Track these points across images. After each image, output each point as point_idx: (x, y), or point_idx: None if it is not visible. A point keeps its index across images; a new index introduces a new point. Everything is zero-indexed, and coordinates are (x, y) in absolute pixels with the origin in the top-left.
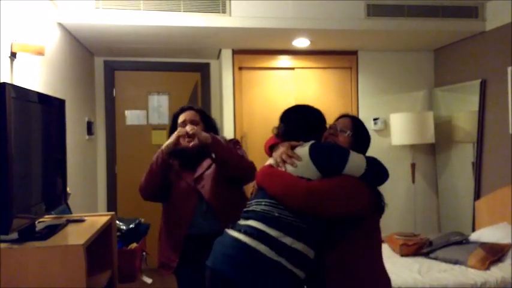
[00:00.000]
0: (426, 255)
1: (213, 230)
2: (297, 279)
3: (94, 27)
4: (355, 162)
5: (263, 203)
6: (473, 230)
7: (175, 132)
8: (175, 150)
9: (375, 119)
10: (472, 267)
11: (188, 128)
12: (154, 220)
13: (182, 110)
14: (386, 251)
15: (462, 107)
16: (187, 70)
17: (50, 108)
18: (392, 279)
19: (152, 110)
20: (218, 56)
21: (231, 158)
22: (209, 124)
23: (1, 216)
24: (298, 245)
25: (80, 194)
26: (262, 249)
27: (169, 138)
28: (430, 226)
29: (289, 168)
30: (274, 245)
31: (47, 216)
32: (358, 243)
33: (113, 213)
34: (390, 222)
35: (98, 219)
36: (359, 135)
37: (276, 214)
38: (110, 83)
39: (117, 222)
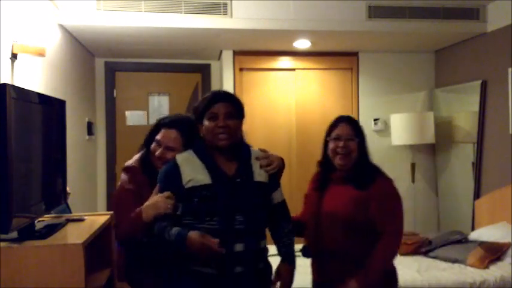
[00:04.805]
0: (425, 254)
1: None
2: None
3: (95, 28)
4: None
5: None
6: (473, 229)
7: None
8: None
9: (375, 120)
10: (471, 266)
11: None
12: None
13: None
14: None
15: (462, 107)
16: (188, 71)
17: (51, 108)
18: None
19: (153, 111)
20: (219, 57)
21: None
22: None
23: (1, 215)
24: None
25: (80, 193)
26: None
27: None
28: (430, 225)
29: None
30: None
31: (46, 215)
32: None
33: (112, 212)
34: None
35: (98, 219)
36: (362, 136)
37: None
38: (110, 84)
39: None
